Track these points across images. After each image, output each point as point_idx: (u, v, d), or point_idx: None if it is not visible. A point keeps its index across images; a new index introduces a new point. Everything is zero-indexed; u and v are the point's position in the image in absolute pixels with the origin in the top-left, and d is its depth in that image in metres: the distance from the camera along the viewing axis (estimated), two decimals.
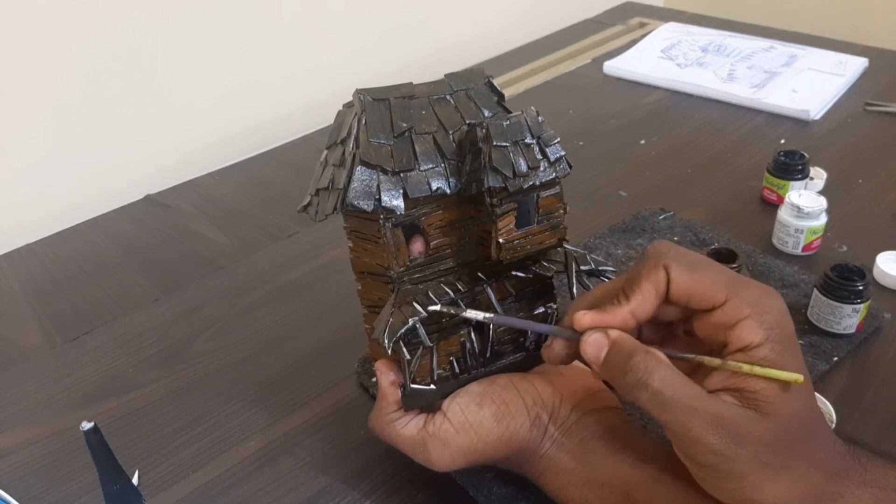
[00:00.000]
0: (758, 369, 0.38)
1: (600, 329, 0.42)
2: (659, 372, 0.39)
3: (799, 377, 0.38)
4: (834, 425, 0.52)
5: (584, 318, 0.42)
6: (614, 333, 0.41)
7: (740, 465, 0.38)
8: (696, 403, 0.38)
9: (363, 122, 0.46)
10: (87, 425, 0.44)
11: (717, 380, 0.40)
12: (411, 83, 0.48)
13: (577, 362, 0.51)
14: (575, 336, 0.43)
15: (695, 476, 0.41)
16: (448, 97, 0.49)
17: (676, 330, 0.45)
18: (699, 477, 0.40)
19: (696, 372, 0.41)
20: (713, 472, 0.39)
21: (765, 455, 0.38)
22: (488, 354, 0.49)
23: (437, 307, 0.45)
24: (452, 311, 0.45)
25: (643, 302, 0.41)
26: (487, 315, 0.45)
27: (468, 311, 0.45)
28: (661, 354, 0.40)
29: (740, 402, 0.39)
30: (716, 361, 0.40)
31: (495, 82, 0.50)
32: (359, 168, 0.45)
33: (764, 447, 0.38)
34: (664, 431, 0.40)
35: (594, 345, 0.42)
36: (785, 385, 0.38)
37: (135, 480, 0.54)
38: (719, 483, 0.39)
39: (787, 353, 0.39)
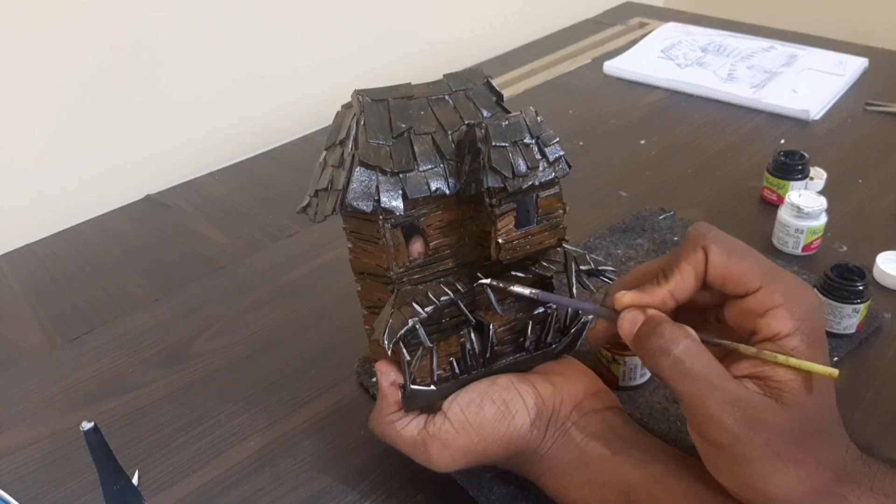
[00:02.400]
0: (793, 360, 0.38)
1: (638, 307, 0.43)
2: (684, 342, 0.40)
3: (834, 371, 0.39)
4: None
5: (623, 297, 0.43)
6: (651, 311, 0.42)
7: (751, 450, 0.38)
8: (716, 381, 0.39)
9: (362, 122, 0.46)
10: (87, 425, 0.44)
11: (744, 367, 0.40)
12: (410, 84, 0.48)
13: (577, 362, 0.52)
14: (614, 315, 0.44)
15: (702, 456, 0.41)
16: (447, 97, 0.49)
17: (708, 316, 0.45)
18: (706, 457, 0.40)
19: (724, 359, 0.41)
20: (723, 453, 0.39)
21: (777, 445, 0.38)
22: (488, 355, 0.49)
23: (487, 280, 0.46)
24: (501, 285, 0.46)
25: (682, 282, 0.42)
26: (533, 291, 0.46)
27: (516, 286, 0.46)
28: (690, 329, 0.41)
29: (762, 391, 0.39)
30: (751, 350, 0.40)
31: (495, 82, 0.50)
32: (358, 169, 0.45)
33: (778, 437, 0.38)
34: (680, 406, 0.41)
35: (630, 321, 0.42)
36: (808, 380, 0.39)
37: (135, 480, 0.54)
38: (726, 466, 0.39)
39: (815, 347, 0.39)
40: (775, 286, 0.40)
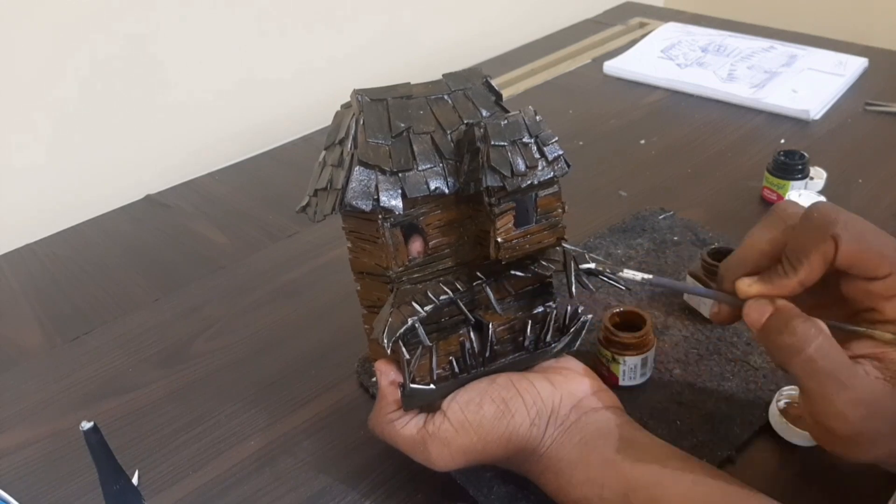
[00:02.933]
0: None
1: (766, 297, 0.43)
2: (817, 340, 0.40)
3: None
4: None
5: (750, 288, 0.44)
6: (779, 302, 0.42)
7: (863, 437, 0.40)
8: (846, 379, 0.39)
9: (361, 122, 0.46)
10: (87, 425, 0.44)
11: (863, 347, 0.42)
12: (409, 83, 0.48)
13: (577, 361, 0.52)
14: (737, 302, 0.45)
15: (814, 435, 0.43)
16: (446, 97, 0.49)
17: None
18: (819, 437, 0.43)
19: (838, 335, 0.42)
20: (839, 438, 0.41)
21: (884, 427, 0.40)
22: (487, 354, 0.49)
23: (592, 265, 0.47)
24: (609, 271, 0.47)
25: (811, 273, 0.42)
26: (646, 276, 0.46)
27: (626, 270, 0.46)
28: (821, 324, 0.41)
29: (882, 374, 0.40)
30: (887, 336, 0.41)
31: (494, 82, 0.50)
32: (357, 168, 0.45)
33: (887, 421, 0.40)
34: (800, 394, 0.42)
35: (759, 311, 0.43)
36: None
37: (135, 480, 0.54)
38: (835, 442, 0.42)
39: None
40: None
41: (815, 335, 0.40)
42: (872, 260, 0.41)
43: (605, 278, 0.50)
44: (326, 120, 0.51)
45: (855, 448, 0.41)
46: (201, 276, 0.77)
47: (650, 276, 0.46)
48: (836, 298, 0.43)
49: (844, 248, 0.41)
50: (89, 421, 0.44)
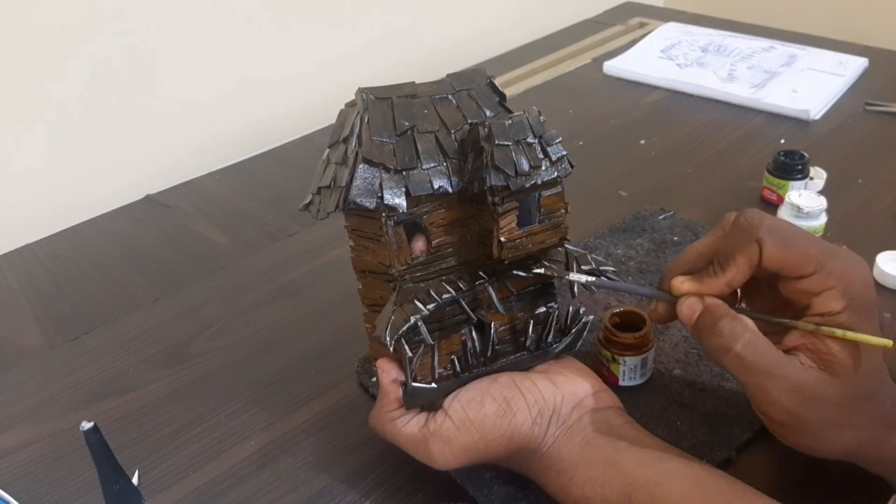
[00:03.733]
0: (850, 334, 0.42)
1: (696, 295, 0.46)
2: (743, 337, 0.43)
3: (888, 342, 0.42)
4: None
5: (682, 285, 0.47)
6: (708, 300, 0.45)
7: (811, 423, 0.43)
8: (776, 370, 0.42)
9: (366, 120, 0.46)
10: (87, 425, 0.44)
11: (796, 339, 0.44)
12: (413, 82, 0.48)
13: (578, 362, 0.52)
14: (672, 299, 0.47)
15: (768, 426, 0.46)
16: (450, 97, 0.49)
17: (760, 282, 0.48)
18: (772, 428, 0.46)
19: (774, 328, 0.45)
20: (786, 427, 0.44)
21: (833, 415, 0.42)
22: (489, 354, 0.49)
23: (541, 270, 0.48)
24: (556, 274, 0.48)
25: (737, 274, 0.45)
26: (590, 279, 0.48)
27: (571, 274, 0.48)
28: (747, 320, 0.44)
29: (816, 364, 0.43)
30: (810, 326, 0.43)
31: (496, 82, 0.50)
32: (361, 166, 0.45)
33: (833, 408, 0.42)
34: (745, 391, 0.45)
35: (689, 308, 0.46)
36: (857, 350, 0.42)
37: (135, 480, 0.54)
38: (790, 435, 0.45)
39: (865, 320, 0.43)
40: (829, 269, 0.43)
41: (741, 332, 0.43)
42: (797, 260, 0.43)
43: (606, 279, 0.50)
44: (326, 120, 0.51)
45: (808, 436, 0.44)
46: (201, 276, 0.77)
47: (594, 279, 0.48)
48: (783, 303, 0.46)
49: (768, 251, 0.43)
50: (89, 421, 0.44)
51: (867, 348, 0.42)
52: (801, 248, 0.43)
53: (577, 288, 0.49)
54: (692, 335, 0.47)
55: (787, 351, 0.44)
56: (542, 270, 0.48)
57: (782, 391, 0.42)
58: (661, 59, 1.14)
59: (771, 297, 0.47)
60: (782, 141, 0.92)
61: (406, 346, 0.46)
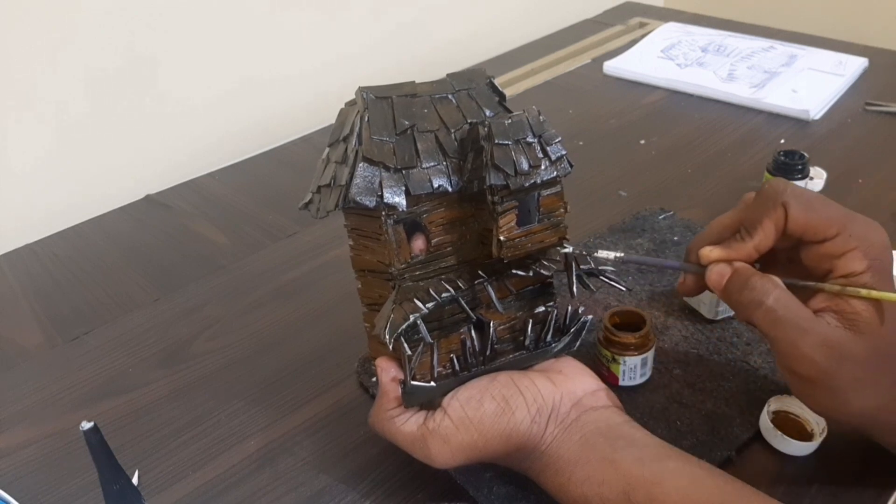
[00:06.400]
0: (874, 293, 0.43)
1: (725, 261, 0.47)
2: (774, 292, 0.44)
3: None
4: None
5: (711, 252, 0.48)
6: (737, 264, 0.47)
7: (838, 381, 0.43)
8: (806, 325, 0.43)
9: (366, 119, 0.46)
10: (87, 425, 0.44)
11: (820, 300, 0.45)
12: (413, 82, 0.48)
13: (576, 361, 0.52)
14: (700, 270, 0.49)
15: (792, 388, 0.47)
16: (450, 96, 0.49)
17: (779, 256, 0.49)
18: (796, 389, 0.46)
19: (800, 295, 0.45)
20: (812, 385, 0.44)
21: (859, 372, 0.43)
22: (488, 353, 0.49)
23: (570, 249, 0.49)
24: (585, 254, 0.49)
25: (765, 238, 0.46)
26: (618, 254, 0.49)
27: (599, 251, 0.49)
28: (777, 279, 0.45)
29: (841, 323, 0.44)
30: (835, 287, 0.45)
31: (496, 82, 0.50)
32: (361, 165, 0.45)
33: (859, 366, 0.43)
34: (770, 347, 0.46)
35: (718, 273, 0.47)
36: (881, 309, 0.44)
37: (135, 480, 0.54)
38: (815, 395, 0.45)
39: (885, 281, 0.44)
40: (850, 231, 0.44)
41: (772, 288, 0.45)
42: (821, 222, 0.45)
43: (606, 279, 0.50)
44: (326, 120, 0.51)
45: (833, 396, 0.44)
46: (201, 276, 0.77)
47: (622, 255, 0.49)
48: (804, 273, 0.47)
49: (793, 214, 0.45)
50: (89, 421, 0.44)
51: (890, 307, 0.44)
52: (823, 211, 0.45)
53: (577, 287, 0.49)
54: (719, 297, 0.48)
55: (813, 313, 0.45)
56: (569, 249, 0.49)
57: (813, 345, 0.43)
58: (661, 59, 1.14)
59: (789, 270, 0.48)
60: (782, 141, 0.92)
61: (405, 345, 0.46)
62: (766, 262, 0.48)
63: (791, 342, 0.44)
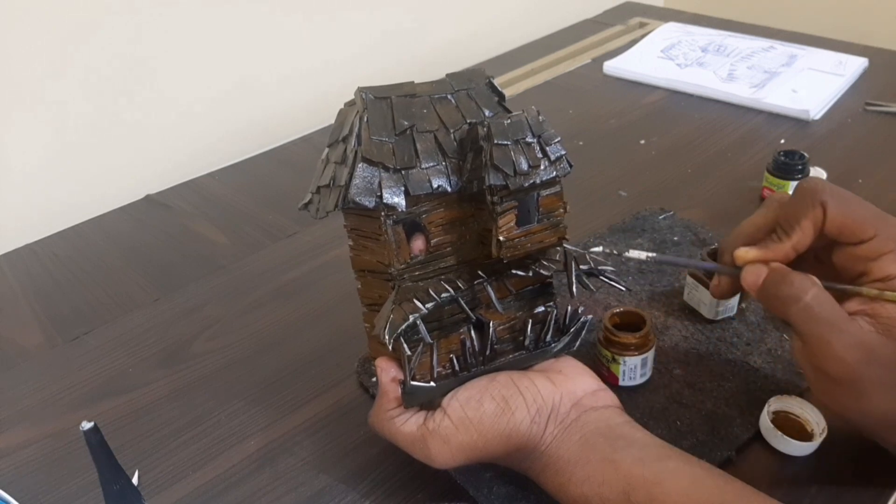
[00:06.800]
0: None
1: (762, 261, 0.47)
2: (813, 290, 0.44)
3: None
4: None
5: (747, 253, 0.48)
6: (774, 264, 0.47)
7: (865, 382, 0.43)
8: (842, 325, 0.43)
9: (365, 119, 0.46)
10: (87, 425, 0.44)
11: (855, 304, 0.45)
12: (413, 82, 0.48)
13: (576, 361, 0.52)
14: (735, 272, 0.48)
15: (814, 387, 0.46)
16: (449, 96, 0.49)
17: (806, 256, 0.48)
18: (819, 388, 0.46)
19: (833, 296, 0.45)
20: (839, 385, 0.44)
21: (887, 376, 0.43)
22: (488, 353, 0.49)
23: (600, 248, 0.49)
24: (615, 252, 0.49)
25: (803, 237, 0.46)
26: (650, 254, 0.50)
27: (631, 251, 0.49)
28: (815, 279, 0.45)
29: (875, 328, 0.44)
30: (873, 292, 0.45)
31: (495, 82, 0.50)
32: (361, 165, 0.45)
33: (889, 370, 0.43)
34: (799, 343, 0.45)
35: (755, 274, 0.47)
36: None
37: (135, 480, 0.54)
38: (839, 395, 0.45)
39: None
40: (886, 234, 0.44)
41: (810, 286, 0.44)
42: (857, 224, 0.45)
43: (606, 279, 0.50)
44: (326, 120, 0.51)
45: (856, 396, 0.43)
46: (201, 276, 0.77)
47: (654, 255, 0.50)
48: (833, 274, 0.47)
49: (832, 213, 0.45)
50: (89, 421, 0.44)
51: None
52: (860, 212, 0.45)
53: (577, 287, 0.49)
54: (755, 297, 0.48)
55: None
56: (600, 249, 0.49)
57: (846, 346, 0.43)
58: (661, 59, 1.14)
59: (816, 271, 0.47)
60: (782, 141, 0.92)
61: (405, 345, 0.46)
62: (793, 262, 0.48)
63: (825, 340, 0.43)
